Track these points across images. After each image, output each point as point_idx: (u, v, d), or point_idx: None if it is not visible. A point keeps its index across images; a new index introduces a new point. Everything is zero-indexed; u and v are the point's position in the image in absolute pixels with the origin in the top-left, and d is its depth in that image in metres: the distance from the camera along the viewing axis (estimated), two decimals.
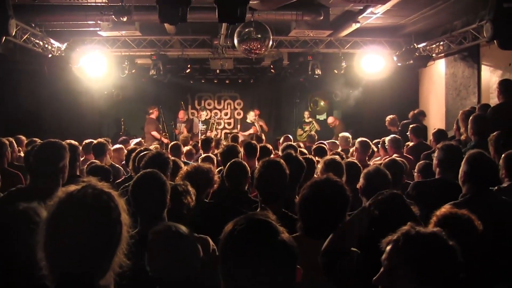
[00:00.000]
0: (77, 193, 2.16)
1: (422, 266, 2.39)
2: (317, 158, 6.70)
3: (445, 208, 3.38)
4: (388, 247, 2.51)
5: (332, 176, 3.89)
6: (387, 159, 6.64)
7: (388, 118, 13.30)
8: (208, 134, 16.52)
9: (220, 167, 7.37)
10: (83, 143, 9.33)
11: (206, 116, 18.52)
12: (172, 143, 10.25)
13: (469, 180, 4.77)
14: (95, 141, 8.97)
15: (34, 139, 9.56)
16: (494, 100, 11.09)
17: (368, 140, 9.01)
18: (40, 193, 2.88)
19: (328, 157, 5.77)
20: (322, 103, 18.69)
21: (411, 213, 3.35)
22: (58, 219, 2.11)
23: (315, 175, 5.51)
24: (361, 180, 4.88)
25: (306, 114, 18.35)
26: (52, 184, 4.19)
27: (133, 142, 12.37)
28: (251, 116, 17.85)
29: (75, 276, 2.09)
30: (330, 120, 17.52)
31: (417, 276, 2.39)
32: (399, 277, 2.44)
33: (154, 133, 16.61)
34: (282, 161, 4.66)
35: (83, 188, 2.18)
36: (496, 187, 5.25)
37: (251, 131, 16.64)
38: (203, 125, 17.78)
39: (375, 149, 9.84)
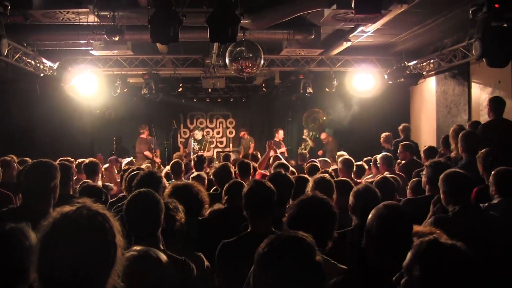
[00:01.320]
0: (72, 214, 2.16)
1: (439, 276, 2.39)
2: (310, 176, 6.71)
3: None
4: (410, 254, 2.52)
5: (319, 194, 3.91)
6: (378, 177, 6.67)
7: (383, 135, 13.30)
8: (200, 153, 16.50)
9: (215, 187, 7.41)
10: (76, 162, 9.33)
11: (200, 135, 18.53)
12: (172, 162, 10.20)
13: (450, 197, 4.85)
14: (86, 161, 8.94)
15: (25, 158, 9.55)
16: (484, 117, 11.15)
17: (351, 159, 9.11)
18: (31, 214, 2.88)
19: (317, 175, 5.78)
20: (324, 118, 18.67)
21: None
22: (52, 240, 2.11)
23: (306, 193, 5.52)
24: (351, 198, 4.92)
25: (306, 131, 18.26)
26: (43, 204, 4.19)
27: (124, 161, 12.36)
28: (280, 135, 17.70)
29: None
30: (323, 136, 17.52)
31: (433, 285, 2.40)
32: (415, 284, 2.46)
33: (147, 153, 16.58)
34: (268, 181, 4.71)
35: (78, 209, 2.18)
36: (486, 204, 5.29)
37: (282, 149, 16.51)
38: (197, 145, 17.74)
39: (366, 167, 9.90)
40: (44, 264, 2.10)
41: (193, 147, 17.51)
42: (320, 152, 16.78)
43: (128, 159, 12.66)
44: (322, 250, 3.53)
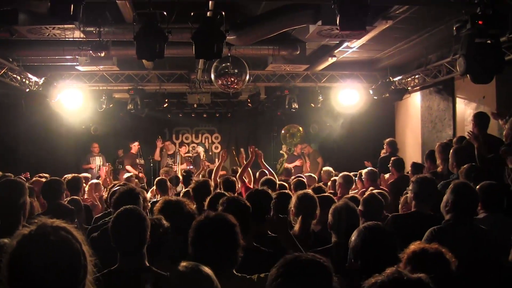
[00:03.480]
0: (37, 231, 2.17)
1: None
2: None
3: (413, 245, 3.42)
4: None
5: (219, 212, 3.89)
6: (366, 193, 6.69)
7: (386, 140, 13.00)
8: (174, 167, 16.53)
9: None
10: (63, 178, 9.28)
11: (185, 152, 18.53)
12: (157, 179, 10.16)
13: (454, 208, 4.87)
14: (69, 177, 8.86)
15: (8, 174, 9.49)
16: None
17: (351, 175, 9.13)
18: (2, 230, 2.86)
19: (301, 191, 5.77)
20: (299, 133, 18.69)
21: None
22: (22, 259, 2.10)
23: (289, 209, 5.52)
24: (329, 215, 4.94)
25: (284, 147, 18.24)
26: (11, 222, 4.17)
27: (124, 176, 12.31)
28: (299, 149, 17.62)
29: None
30: (298, 149, 17.54)
31: None
32: None
33: (128, 168, 16.55)
34: (241, 197, 4.71)
35: (39, 226, 2.19)
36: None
37: (297, 163, 16.46)
38: (172, 158, 17.73)
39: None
40: (15, 283, 2.08)
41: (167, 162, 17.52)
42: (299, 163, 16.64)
43: (128, 174, 12.55)
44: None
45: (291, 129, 18.45)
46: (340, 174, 9.25)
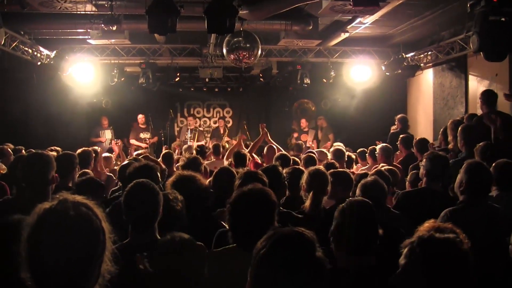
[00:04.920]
0: (57, 207, 2.18)
1: (433, 268, 2.44)
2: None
3: (428, 223, 3.43)
4: (405, 249, 2.57)
5: (257, 185, 3.88)
6: (373, 170, 6.68)
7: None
8: (191, 143, 16.48)
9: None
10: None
11: (196, 124, 18.52)
12: (164, 152, 10.19)
13: (468, 188, 4.82)
14: (79, 151, 8.79)
15: (20, 147, 9.53)
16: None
17: (342, 149, 9.16)
18: (28, 205, 2.87)
19: (312, 167, 5.77)
20: (313, 108, 18.69)
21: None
22: (42, 234, 2.11)
23: (301, 185, 5.52)
24: (358, 191, 4.97)
25: (303, 122, 18.13)
26: (40, 196, 4.16)
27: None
28: (303, 123, 17.69)
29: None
30: (304, 124, 17.62)
31: (428, 278, 2.45)
32: (413, 278, 2.50)
33: (132, 141, 16.74)
34: (260, 171, 4.71)
35: (60, 201, 2.20)
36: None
37: (309, 139, 16.58)
38: (190, 133, 17.72)
39: (353, 157, 9.98)
40: (36, 259, 2.10)
41: (185, 137, 17.53)
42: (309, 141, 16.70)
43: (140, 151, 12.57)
44: None
45: (302, 105, 18.48)
46: (331, 149, 9.30)
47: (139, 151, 11.98)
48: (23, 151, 9.57)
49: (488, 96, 8.47)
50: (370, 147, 10.25)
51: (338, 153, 9.11)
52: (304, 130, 17.49)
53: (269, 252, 2.02)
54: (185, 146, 13.41)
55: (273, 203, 3.63)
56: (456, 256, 2.49)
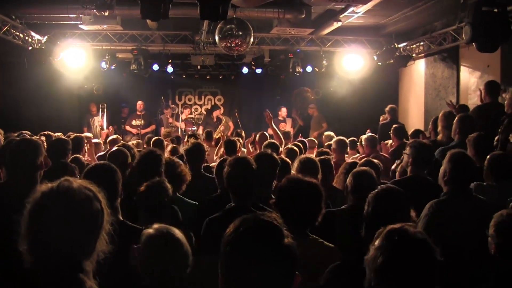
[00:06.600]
0: (60, 186, 2.27)
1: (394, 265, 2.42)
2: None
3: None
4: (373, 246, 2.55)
5: (311, 178, 3.94)
6: (362, 160, 6.69)
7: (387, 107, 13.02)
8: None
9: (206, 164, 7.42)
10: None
11: (188, 114, 18.47)
12: (154, 138, 10.18)
13: (452, 178, 4.82)
14: (72, 136, 8.86)
15: (24, 132, 9.49)
16: (472, 101, 11.25)
17: (345, 139, 9.14)
18: (20, 188, 2.88)
19: (303, 156, 5.80)
20: (312, 97, 18.71)
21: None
22: (44, 213, 2.20)
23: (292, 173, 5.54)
24: (349, 178, 4.98)
25: (283, 110, 18.08)
26: (29, 181, 4.18)
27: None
28: (283, 112, 17.69)
29: (63, 262, 2.19)
30: (283, 113, 17.67)
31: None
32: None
33: (128, 127, 17.05)
34: (249, 158, 4.72)
35: (63, 182, 2.30)
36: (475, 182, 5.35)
37: (287, 128, 16.52)
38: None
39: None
40: (37, 237, 2.18)
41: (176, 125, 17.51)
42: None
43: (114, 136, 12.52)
44: (310, 230, 3.69)
45: (302, 93, 18.52)
46: (334, 139, 9.28)
47: (113, 136, 11.83)
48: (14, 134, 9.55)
49: (492, 87, 8.49)
50: (361, 136, 10.28)
51: (341, 143, 9.06)
52: (280, 119, 17.35)
53: (235, 244, 2.00)
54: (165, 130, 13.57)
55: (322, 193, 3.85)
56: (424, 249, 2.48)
